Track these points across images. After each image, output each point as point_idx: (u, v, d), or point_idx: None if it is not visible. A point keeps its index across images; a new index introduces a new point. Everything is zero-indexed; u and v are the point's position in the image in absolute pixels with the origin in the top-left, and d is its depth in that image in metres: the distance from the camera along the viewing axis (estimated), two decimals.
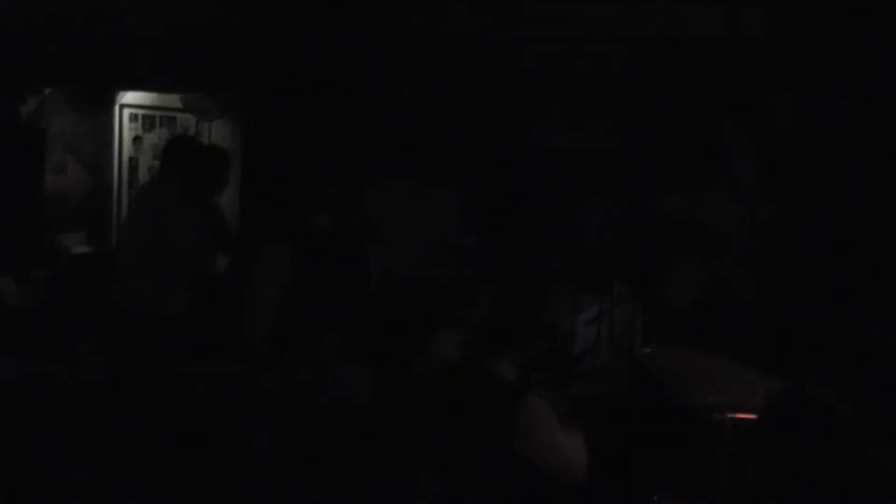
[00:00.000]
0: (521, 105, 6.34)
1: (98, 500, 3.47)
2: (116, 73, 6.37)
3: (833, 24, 5.62)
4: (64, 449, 3.65)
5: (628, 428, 4.06)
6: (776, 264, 5.67)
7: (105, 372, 4.56)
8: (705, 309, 5.45)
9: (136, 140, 7.32)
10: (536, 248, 5.90)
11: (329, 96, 6.63)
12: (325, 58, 6.59)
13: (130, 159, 7.33)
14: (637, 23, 6.01)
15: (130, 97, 7.26)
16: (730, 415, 3.70)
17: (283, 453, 3.16)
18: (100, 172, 7.33)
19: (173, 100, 7.23)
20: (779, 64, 5.76)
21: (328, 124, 6.62)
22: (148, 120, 7.36)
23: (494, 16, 6.32)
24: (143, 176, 7.24)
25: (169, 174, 5.60)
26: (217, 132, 7.14)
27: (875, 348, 4.34)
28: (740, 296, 5.59)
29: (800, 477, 2.39)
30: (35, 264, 6.30)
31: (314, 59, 6.62)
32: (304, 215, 4.53)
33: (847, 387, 2.72)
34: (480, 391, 3.24)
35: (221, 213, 5.92)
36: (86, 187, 7.28)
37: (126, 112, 7.34)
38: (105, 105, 7.20)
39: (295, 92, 6.66)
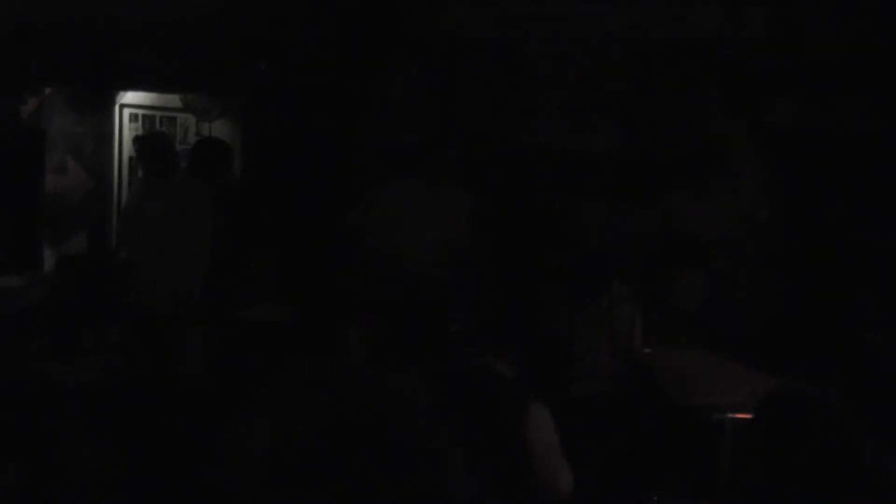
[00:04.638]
0: (520, 105, 6.34)
1: (99, 501, 3.47)
2: (116, 73, 6.37)
3: (832, 24, 5.63)
4: (64, 449, 3.65)
5: (628, 428, 4.06)
6: (776, 265, 5.67)
7: (107, 372, 4.56)
8: (706, 310, 5.45)
9: (136, 141, 7.32)
10: (536, 249, 5.90)
11: (329, 97, 6.63)
12: (324, 58, 6.59)
13: (130, 159, 7.32)
14: (637, 23, 6.01)
15: (130, 97, 7.26)
16: (730, 415, 3.71)
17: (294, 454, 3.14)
18: (100, 172, 7.32)
19: (173, 100, 7.23)
20: (779, 64, 5.76)
21: (327, 125, 6.62)
22: (148, 120, 7.36)
23: (494, 16, 6.32)
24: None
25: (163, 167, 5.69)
26: (217, 132, 7.14)
27: (874, 349, 4.34)
28: (740, 297, 5.59)
29: (795, 476, 2.39)
30: (35, 264, 6.31)
31: (314, 60, 6.62)
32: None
33: (846, 387, 2.72)
34: (491, 392, 3.22)
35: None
36: (86, 187, 7.27)
37: (126, 112, 7.33)
38: (105, 105, 7.20)
39: (295, 92, 6.67)
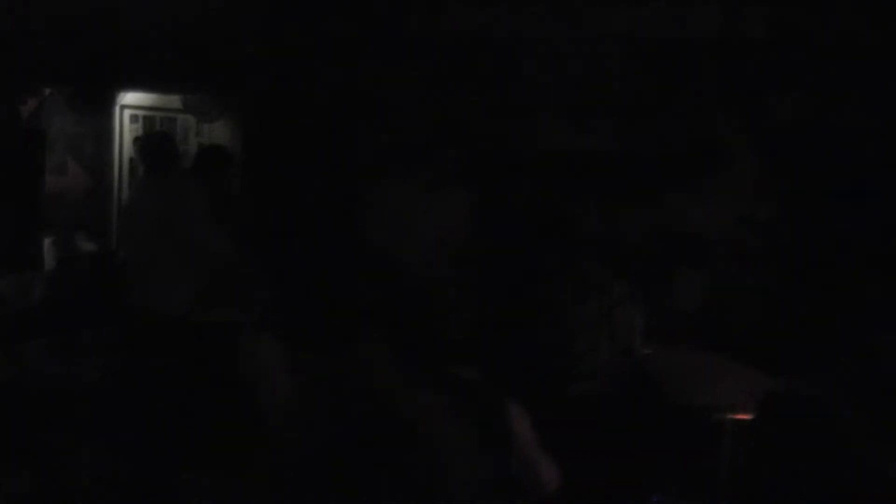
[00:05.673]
0: (520, 106, 6.34)
1: (99, 500, 3.47)
2: (116, 74, 6.38)
3: (832, 23, 5.63)
4: (63, 449, 3.65)
5: (628, 428, 4.05)
6: (776, 265, 5.67)
7: (107, 372, 4.56)
8: (706, 310, 5.45)
9: (137, 141, 7.33)
10: (536, 249, 5.90)
11: (328, 97, 6.63)
12: (324, 58, 6.59)
13: (130, 160, 7.33)
14: (637, 23, 6.01)
15: (131, 98, 7.27)
16: (730, 415, 3.71)
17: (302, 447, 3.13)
18: (100, 173, 7.33)
19: (173, 100, 7.24)
20: (779, 64, 5.76)
21: (327, 125, 6.62)
22: (148, 121, 7.37)
23: (494, 15, 6.32)
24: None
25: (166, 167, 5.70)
26: (217, 133, 7.15)
27: (875, 349, 4.33)
28: (740, 296, 5.59)
29: (797, 476, 2.39)
30: (35, 264, 6.31)
31: (314, 60, 6.62)
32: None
33: (848, 387, 2.72)
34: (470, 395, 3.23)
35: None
36: (86, 188, 7.29)
37: (126, 113, 7.34)
38: (105, 106, 7.22)
39: (295, 93, 6.67)
